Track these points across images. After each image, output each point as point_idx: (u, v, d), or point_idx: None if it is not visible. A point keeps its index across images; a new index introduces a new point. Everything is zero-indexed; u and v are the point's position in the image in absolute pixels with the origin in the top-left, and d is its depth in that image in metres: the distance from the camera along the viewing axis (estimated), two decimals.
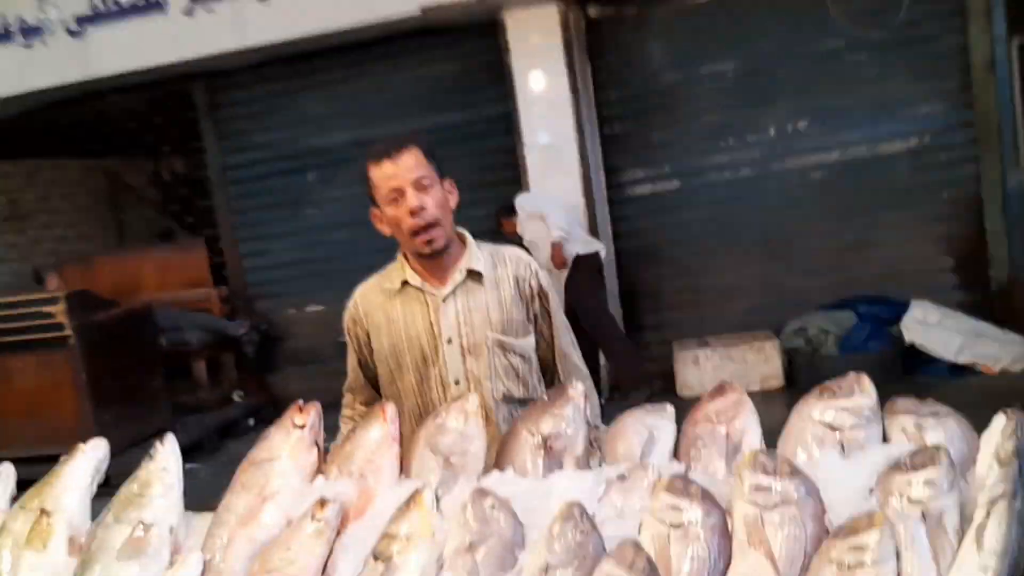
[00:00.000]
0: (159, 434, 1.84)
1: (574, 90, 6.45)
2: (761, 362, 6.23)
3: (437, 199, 2.27)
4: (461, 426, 1.78)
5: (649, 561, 1.40)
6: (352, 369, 2.50)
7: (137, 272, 7.47)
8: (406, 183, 2.23)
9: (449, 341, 2.31)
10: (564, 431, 1.74)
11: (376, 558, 1.55)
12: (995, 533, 1.30)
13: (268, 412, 7.31)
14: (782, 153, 6.66)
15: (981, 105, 6.27)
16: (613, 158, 6.81)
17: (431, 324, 2.31)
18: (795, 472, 1.49)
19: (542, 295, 2.43)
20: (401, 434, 1.81)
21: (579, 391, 1.80)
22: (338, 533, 1.65)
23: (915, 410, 1.65)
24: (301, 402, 1.86)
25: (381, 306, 2.38)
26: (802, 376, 6.14)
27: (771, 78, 6.60)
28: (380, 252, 7.41)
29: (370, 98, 7.12)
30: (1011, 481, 1.36)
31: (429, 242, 2.24)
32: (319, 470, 1.79)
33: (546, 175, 6.50)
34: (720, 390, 1.78)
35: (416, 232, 2.23)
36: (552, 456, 1.72)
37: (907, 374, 6.00)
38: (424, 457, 1.76)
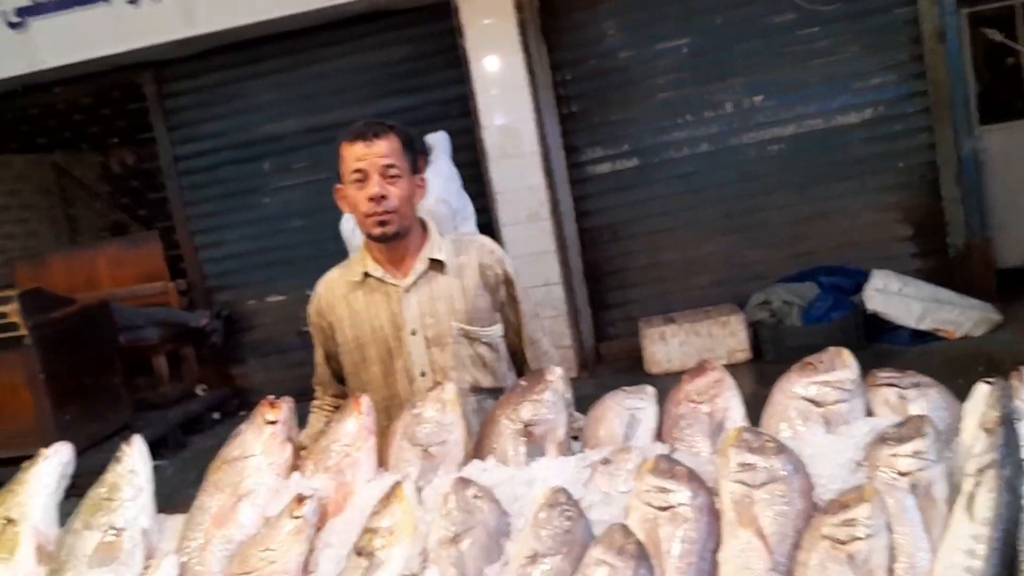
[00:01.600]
0: (121, 432, 1.80)
1: (530, 71, 6.39)
2: (727, 336, 6.26)
3: (402, 191, 2.24)
4: (439, 416, 1.75)
5: (638, 544, 1.37)
6: (319, 363, 2.48)
7: (91, 268, 7.29)
8: (373, 168, 2.20)
9: (413, 332, 2.29)
10: (544, 416, 1.72)
11: (359, 554, 1.51)
12: (985, 502, 1.30)
13: (232, 405, 7.24)
14: (739, 128, 6.67)
15: (933, 75, 6.33)
16: (572, 138, 6.78)
17: (393, 315, 2.29)
18: (781, 449, 1.48)
19: (507, 282, 2.41)
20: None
21: (557, 375, 1.77)
22: (317, 529, 1.61)
23: (897, 381, 1.65)
24: (272, 397, 1.81)
25: (344, 298, 2.35)
26: (769, 348, 6.19)
27: (726, 54, 6.60)
28: (337, 239, 7.31)
29: (322, 84, 7.00)
30: (998, 449, 1.36)
31: (381, 223, 2.22)
32: (294, 466, 1.75)
33: (505, 157, 6.45)
34: (700, 369, 1.76)
35: (371, 215, 2.21)
36: (533, 442, 1.69)
37: (870, 342, 6.06)
38: (402, 449, 1.73)
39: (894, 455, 1.42)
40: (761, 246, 6.71)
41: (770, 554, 1.36)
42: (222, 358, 7.33)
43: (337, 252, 7.08)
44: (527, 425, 1.70)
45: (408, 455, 1.71)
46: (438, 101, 6.88)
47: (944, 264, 6.51)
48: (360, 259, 2.35)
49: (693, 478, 1.48)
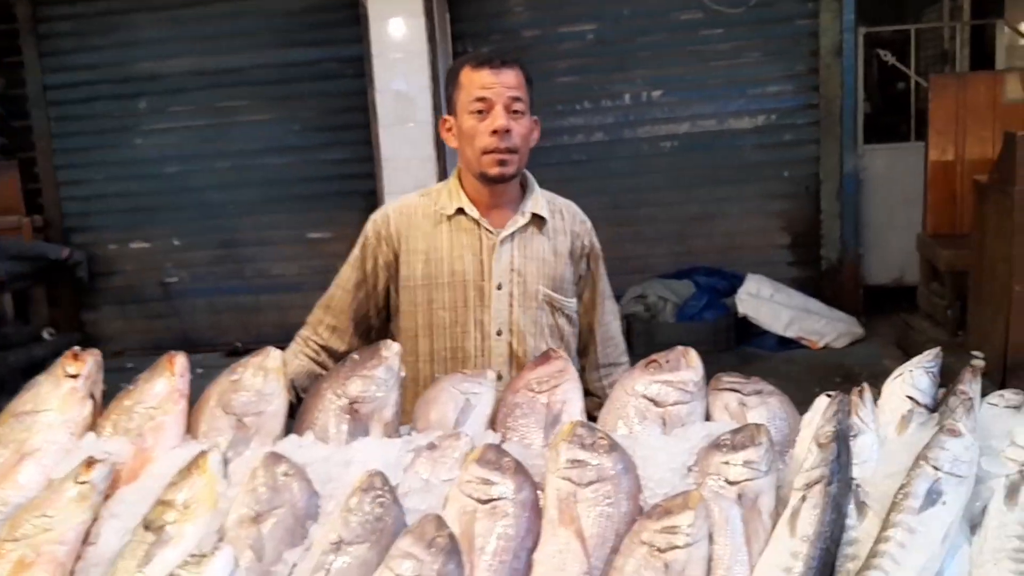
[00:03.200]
0: None
1: (431, 38, 6.21)
2: None
3: (524, 128, 2.07)
4: (260, 384, 1.61)
5: (451, 538, 1.28)
6: (343, 287, 2.16)
7: None
8: (499, 99, 2.01)
9: (499, 287, 2.08)
10: (373, 394, 1.60)
11: (147, 528, 1.37)
12: (808, 518, 1.26)
13: None
14: (635, 121, 6.67)
15: (826, 89, 6.45)
16: None
17: (482, 264, 2.08)
18: (613, 447, 1.41)
19: (592, 256, 2.26)
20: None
21: (393, 351, 1.65)
22: (107, 497, 1.46)
23: (739, 387, 1.60)
24: (77, 349, 1.64)
25: (423, 229, 2.10)
26: (640, 342, 6.20)
27: (629, 45, 6.58)
28: (215, 190, 7.04)
29: (214, 25, 6.66)
30: (827, 465, 1.32)
31: (501, 163, 2.02)
32: (92, 426, 1.59)
33: (397, 122, 6.27)
34: (544, 357, 1.68)
35: (491, 151, 2.01)
36: (358, 421, 1.58)
37: (739, 345, 6.19)
38: (215, 416, 1.59)
39: (725, 462, 1.38)
40: (644, 240, 6.75)
41: (587, 557, 1.29)
42: (76, 303, 6.93)
43: (212, 203, 6.85)
44: (353, 402, 1.58)
45: (220, 423, 1.57)
46: (334, 58, 6.67)
47: (816, 275, 6.68)
48: (451, 192, 2.12)
49: (519, 471, 1.40)
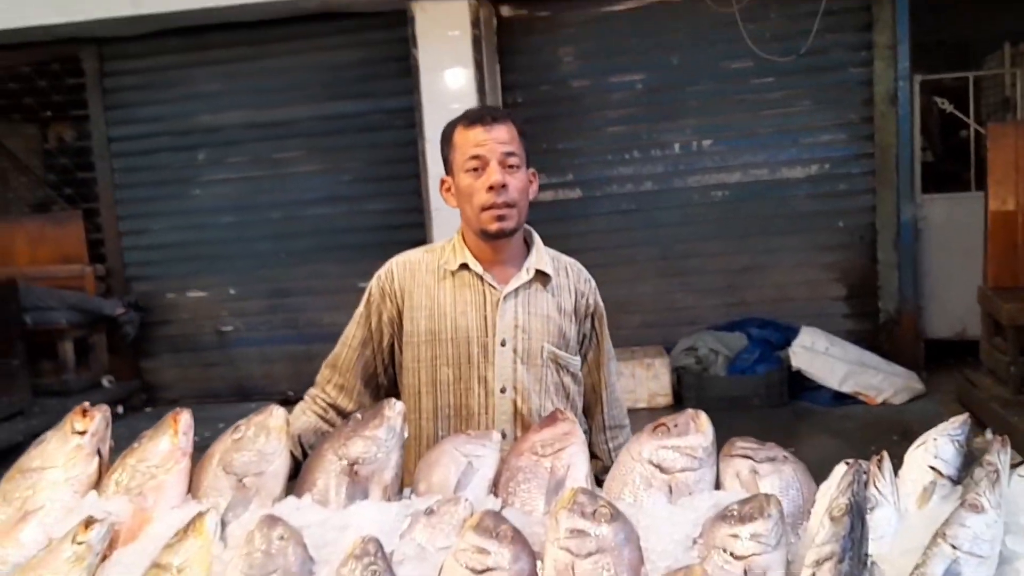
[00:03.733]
0: (15, 417, 1.62)
1: (480, 89, 6.27)
2: (650, 378, 6.17)
3: (520, 182, 2.05)
4: (261, 443, 1.59)
5: None
6: (349, 345, 2.15)
7: (8, 243, 6.98)
8: (493, 155, 2.01)
9: (503, 343, 2.06)
10: (374, 455, 1.57)
11: None
12: None
13: (139, 400, 7.00)
14: (685, 170, 6.62)
15: (881, 138, 6.33)
16: None
17: (485, 320, 2.06)
18: (615, 516, 1.35)
19: (597, 315, 2.22)
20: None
21: (396, 410, 1.62)
22: (105, 558, 1.45)
23: (752, 454, 1.53)
24: (87, 404, 1.65)
25: (427, 285, 2.10)
26: (691, 395, 6.11)
27: (679, 94, 6.56)
28: (269, 240, 7.14)
29: (268, 79, 6.82)
30: (839, 541, 1.25)
31: (500, 218, 2.01)
32: (98, 484, 1.59)
33: None
34: (552, 419, 1.63)
35: (488, 208, 2.01)
36: (358, 483, 1.55)
37: (792, 399, 6.03)
38: (216, 476, 1.57)
39: (732, 535, 1.31)
40: (695, 291, 6.66)
41: None
42: (134, 350, 7.08)
43: (265, 253, 6.97)
44: (353, 463, 1.55)
45: (221, 484, 1.56)
46: (385, 110, 6.76)
47: (874, 328, 6.49)
48: (455, 248, 2.12)
49: (516, 540, 1.35)
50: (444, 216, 6.28)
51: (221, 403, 7.05)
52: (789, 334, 6.19)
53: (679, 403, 6.16)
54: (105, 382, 6.85)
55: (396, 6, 6.27)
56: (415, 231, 6.53)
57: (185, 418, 1.61)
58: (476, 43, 6.24)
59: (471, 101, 6.23)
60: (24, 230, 7.05)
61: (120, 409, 6.72)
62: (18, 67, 7.05)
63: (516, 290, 2.08)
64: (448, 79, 6.26)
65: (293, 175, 6.91)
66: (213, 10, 6.21)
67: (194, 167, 7.01)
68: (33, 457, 1.59)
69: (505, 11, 6.65)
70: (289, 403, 6.27)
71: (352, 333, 2.16)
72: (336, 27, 6.61)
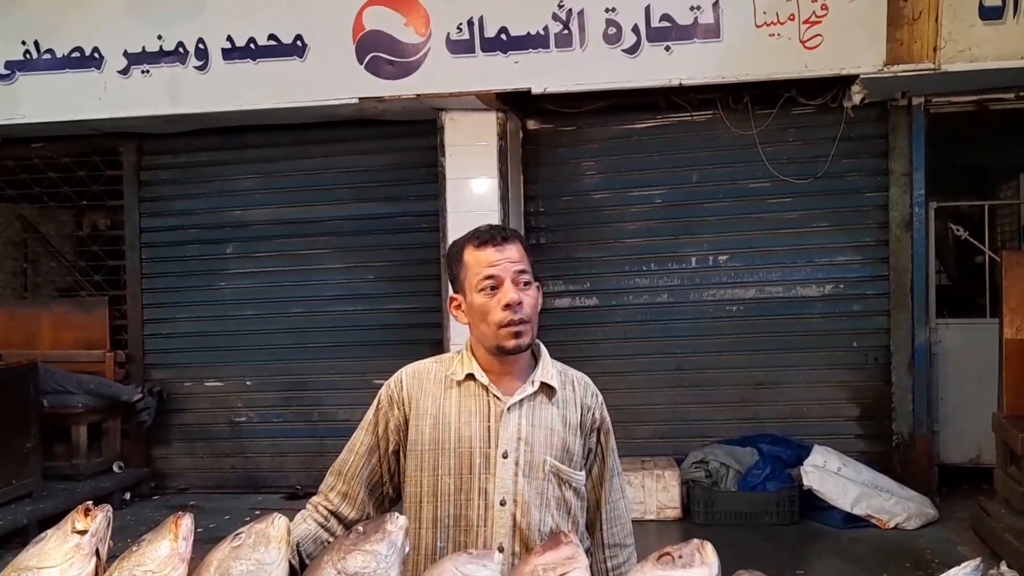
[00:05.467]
0: (23, 500, 1.65)
1: (504, 198, 6.45)
2: (660, 490, 6.13)
3: (532, 299, 2.10)
4: (260, 553, 1.61)
5: None
6: (355, 451, 2.16)
7: (34, 326, 7.16)
8: (507, 273, 2.06)
9: (505, 455, 2.06)
10: (373, 570, 1.59)
11: None
12: None
13: (147, 487, 7.02)
14: (701, 284, 6.71)
15: (896, 262, 6.41)
16: (536, 268, 6.77)
17: (488, 430, 2.07)
18: None
19: (603, 430, 2.22)
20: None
21: (399, 524, 1.65)
22: None
23: None
24: (89, 504, 1.68)
25: (433, 394, 2.13)
26: (699, 509, 6.06)
27: (697, 210, 6.70)
28: (289, 334, 7.24)
29: (299, 178, 7.07)
30: None
31: (517, 336, 2.04)
32: None
33: None
34: (555, 541, 1.65)
35: (506, 325, 2.05)
36: None
37: (803, 519, 5.95)
38: None
39: None
40: (707, 404, 6.68)
41: None
42: (146, 437, 7.14)
43: (285, 347, 7.07)
44: None
45: None
46: (411, 213, 6.95)
47: (887, 450, 6.45)
48: (463, 359, 2.15)
49: None
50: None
51: (230, 493, 7.06)
52: (801, 452, 6.15)
53: (688, 516, 6.11)
54: (115, 468, 6.90)
55: (427, 116, 6.51)
56: (433, 331, 6.63)
57: (186, 523, 1.64)
58: (502, 154, 6.45)
59: (494, 209, 6.41)
60: (50, 314, 7.22)
61: (127, 496, 6.75)
62: (59, 158, 7.33)
63: (520, 402, 2.09)
64: (473, 187, 6.45)
65: (317, 271, 7.08)
66: (250, 112, 6.46)
67: (221, 260, 7.20)
68: (31, 555, 1.61)
69: (531, 124, 6.88)
70: (298, 497, 6.34)
71: (360, 440, 2.17)
72: (369, 132, 6.86)
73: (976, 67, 5.64)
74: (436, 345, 6.54)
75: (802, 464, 6.03)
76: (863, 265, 6.54)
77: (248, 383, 7.18)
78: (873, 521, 5.82)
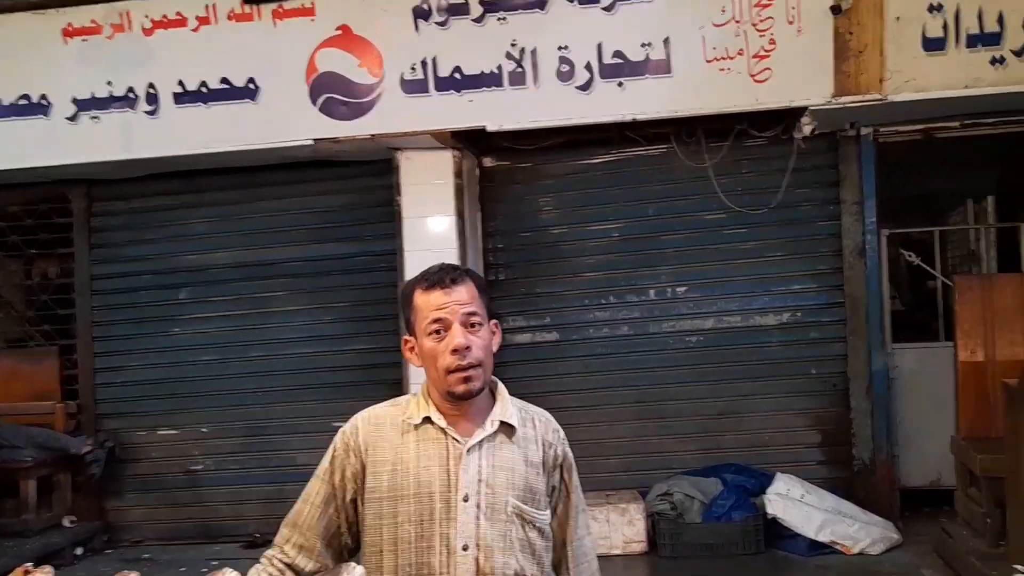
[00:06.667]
0: None
1: (461, 235, 6.45)
2: (625, 524, 6.10)
3: (483, 340, 2.04)
4: None
5: None
6: (311, 502, 2.09)
7: None
8: (454, 316, 2.00)
9: (465, 499, 1.99)
10: None
11: None
12: None
13: (100, 542, 6.85)
14: (660, 316, 6.75)
15: (851, 289, 6.49)
16: (496, 305, 6.78)
17: (448, 473, 2.01)
18: None
19: (566, 467, 2.18)
20: None
21: (357, 573, 1.62)
22: None
23: None
24: (30, 565, 1.63)
25: (390, 439, 2.06)
26: (665, 542, 6.03)
27: (655, 242, 6.76)
28: (247, 378, 7.15)
29: (256, 221, 7.01)
30: None
31: (466, 380, 1.99)
32: None
33: None
34: None
35: (454, 371, 1.99)
36: None
37: (768, 547, 5.94)
38: None
39: None
40: (670, 436, 6.70)
41: None
42: (99, 489, 6.96)
43: (242, 391, 6.95)
44: None
45: None
46: (370, 253, 6.94)
47: (849, 475, 6.49)
48: (419, 402, 2.09)
49: None
50: None
51: (186, 544, 6.89)
52: (764, 480, 6.17)
53: (654, 549, 6.09)
54: (66, 522, 6.71)
55: (383, 155, 6.52)
56: (393, 371, 6.59)
57: None
58: (458, 192, 6.47)
59: (452, 246, 6.41)
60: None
61: (80, 551, 6.56)
62: (7, 206, 7.19)
63: (480, 443, 2.04)
64: (430, 225, 6.45)
65: (275, 314, 7.01)
66: (203, 156, 6.42)
67: (176, 305, 7.09)
68: None
69: (487, 162, 6.91)
70: (257, 546, 6.21)
71: (315, 489, 2.10)
72: (325, 173, 6.85)
73: (922, 97, 5.78)
74: (396, 385, 6.48)
75: (766, 492, 6.04)
76: (819, 293, 6.63)
77: (204, 430, 7.04)
78: (838, 547, 5.83)
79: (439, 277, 2.06)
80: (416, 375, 6.31)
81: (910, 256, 7.05)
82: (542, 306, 6.82)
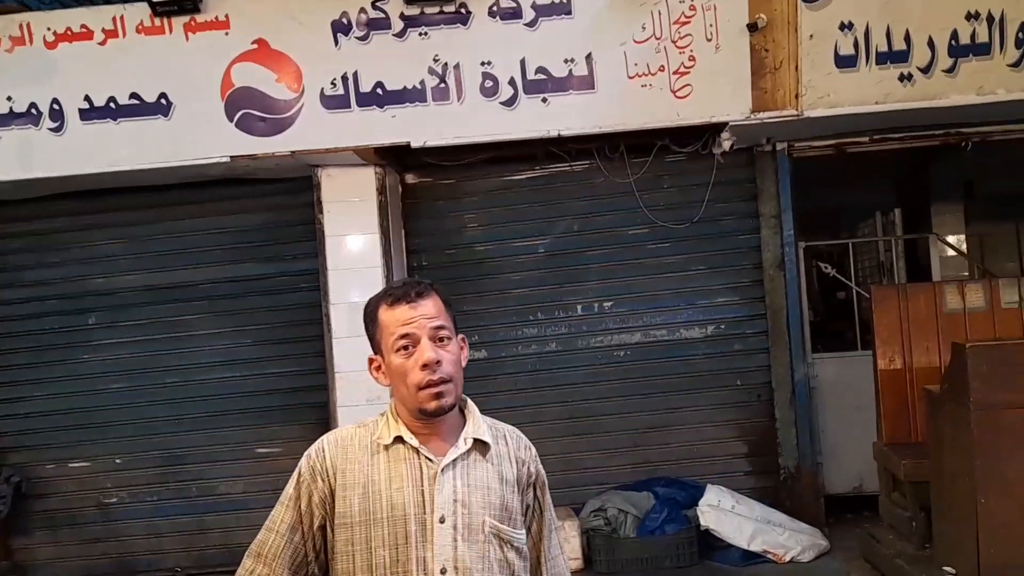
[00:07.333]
0: None
1: (386, 253, 6.34)
2: (561, 541, 6.03)
3: (453, 355, 1.98)
4: None
5: None
6: (276, 530, 2.00)
7: None
8: (423, 331, 1.95)
9: (441, 520, 1.93)
10: None
11: None
12: None
13: None
14: (588, 331, 6.75)
15: (772, 300, 6.62)
16: None
17: (423, 494, 1.94)
18: None
19: (539, 484, 2.15)
20: None
21: None
22: None
23: None
24: None
25: (360, 461, 1.97)
26: (600, 559, 6.01)
27: (580, 258, 6.76)
28: (163, 406, 6.86)
29: (169, 242, 6.73)
30: None
31: (438, 396, 1.93)
32: None
33: (351, 335, 6.25)
34: None
35: (425, 387, 1.93)
36: None
37: (702, 559, 5.99)
38: None
39: None
40: (601, 451, 6.69)
41: None
42: (6, 528, 6.55)
43: (159, 420, 6.66)
44: None
45: None
46: (291, 272, 6.74)
47: (776, 484, 6.60)
48: (388, 422, 2.02)
49: None
50: (349, 379, 6.21)
51: None
52: (695, 492, 6.21)
53: (590, 566, 6.06)
54: None
55: (302, 172, 6.36)
56: (318, 393, 6.41)
57: None
58: (382, 209, 6.35)
59: (376, 264, 6.29)
60: None
61: None
62: None
63: (454, 461, 1.98)
64: (353, 244, 6.32)
65: (192, 338, 6.72)
66: (111, 175, 6.15)
67: (84, 331, 6.74)
68: None
69: (410, 178, 6.81)
70: None
71: (280, 517, 2.00)
72: (241, 191, 6.62)
73: (835, 112, 5.94)
74: (322, 408, 6.31)
75: (698, 504, 6.09)
76: (741, 305, 6.73)
77: (118, 461, 6.70)
78: (770, 556, 5.91)
79: (404, 291, 2.01)
80: (344, 397, 6.18)
81: (826, 268, 7.23)
82: (470, 324, 6.71)
